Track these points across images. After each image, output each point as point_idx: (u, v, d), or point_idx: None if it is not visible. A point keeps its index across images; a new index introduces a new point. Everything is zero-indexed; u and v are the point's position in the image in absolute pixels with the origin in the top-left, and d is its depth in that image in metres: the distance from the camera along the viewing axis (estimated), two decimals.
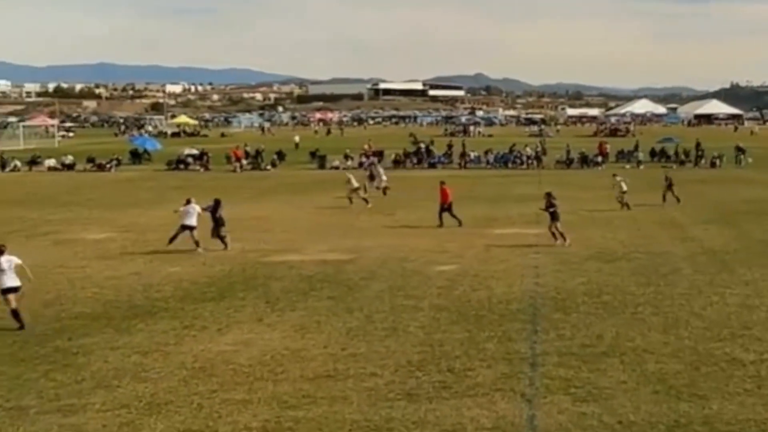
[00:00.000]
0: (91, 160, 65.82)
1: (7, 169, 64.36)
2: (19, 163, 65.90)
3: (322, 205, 40.23)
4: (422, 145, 71.14)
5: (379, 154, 66.74)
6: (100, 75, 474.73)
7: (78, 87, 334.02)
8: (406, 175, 54.46)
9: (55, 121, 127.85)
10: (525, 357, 15.83)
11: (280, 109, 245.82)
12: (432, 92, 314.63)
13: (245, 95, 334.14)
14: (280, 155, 68.26)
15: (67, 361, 15.89)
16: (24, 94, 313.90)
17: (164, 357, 16.12)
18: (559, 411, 13.11)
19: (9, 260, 18.52)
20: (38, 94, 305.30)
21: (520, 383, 14.37)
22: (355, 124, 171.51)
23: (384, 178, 44.98)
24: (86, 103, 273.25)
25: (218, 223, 28.10)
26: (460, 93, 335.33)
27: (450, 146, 71.64)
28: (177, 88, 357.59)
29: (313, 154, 68.82)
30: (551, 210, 28.32)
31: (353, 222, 34.42)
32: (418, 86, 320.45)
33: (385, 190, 43.99)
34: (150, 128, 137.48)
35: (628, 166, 60.04)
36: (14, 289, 18.42)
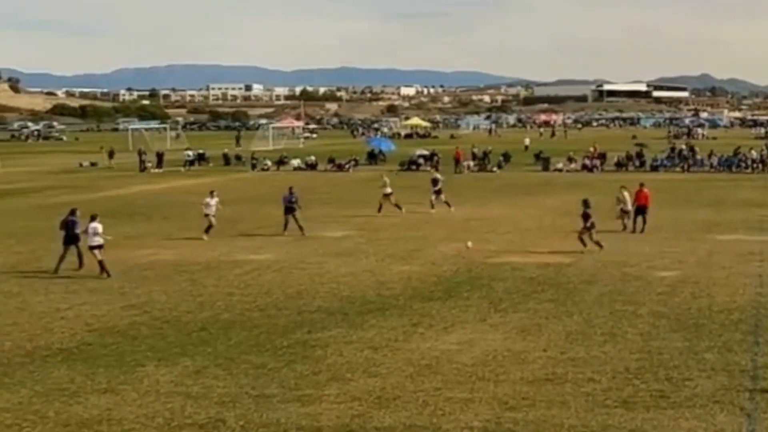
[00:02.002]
0: (331, 160, 67.79)
1: (257, 169, 67.34)
2: (269, 163, 68.92)
3: (544, 206, 39.78)
4: (683, 147, 69.33)
5: (602, 157, 65.37)
6: (341, 78, 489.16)
7: (321, 90, 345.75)
8: (629, 177, 52.88)
9: (301, 123, 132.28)
10: (745, 369, 15.08)
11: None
12: (656, 93, 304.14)
13: (474, 97, 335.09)
14: (506, 157, 68.00)
15: (306, 353, 16.50)
16: (274, 97, 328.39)
17: (393, 353, 16.44)
18: None
19: (95, 227, 23.87)
20: (286, 98, 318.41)
21: (740, 396, 13.70)
22: (579, 126, 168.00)
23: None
24: (328, 105, 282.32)
25: (292, 207, 31.91)
26: (684, 94, 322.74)
27: (675, 149, 69.09)
28: (411, 91, 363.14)
29: (537, 156, 68.20)
30: (588, 220, 27.27)
31: (575, 225, 33.79)
32: (642, 87, 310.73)
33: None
34: (385, 130, 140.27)
35: None
36: (98, 247, 23.78)
